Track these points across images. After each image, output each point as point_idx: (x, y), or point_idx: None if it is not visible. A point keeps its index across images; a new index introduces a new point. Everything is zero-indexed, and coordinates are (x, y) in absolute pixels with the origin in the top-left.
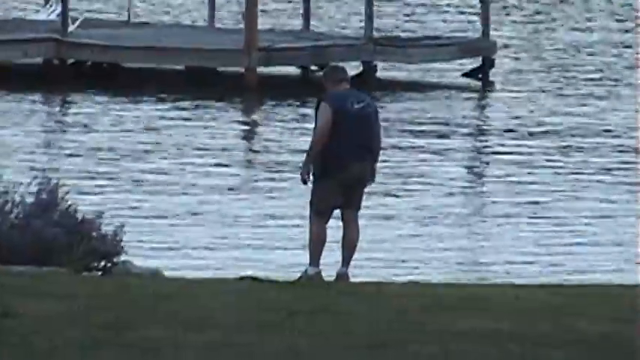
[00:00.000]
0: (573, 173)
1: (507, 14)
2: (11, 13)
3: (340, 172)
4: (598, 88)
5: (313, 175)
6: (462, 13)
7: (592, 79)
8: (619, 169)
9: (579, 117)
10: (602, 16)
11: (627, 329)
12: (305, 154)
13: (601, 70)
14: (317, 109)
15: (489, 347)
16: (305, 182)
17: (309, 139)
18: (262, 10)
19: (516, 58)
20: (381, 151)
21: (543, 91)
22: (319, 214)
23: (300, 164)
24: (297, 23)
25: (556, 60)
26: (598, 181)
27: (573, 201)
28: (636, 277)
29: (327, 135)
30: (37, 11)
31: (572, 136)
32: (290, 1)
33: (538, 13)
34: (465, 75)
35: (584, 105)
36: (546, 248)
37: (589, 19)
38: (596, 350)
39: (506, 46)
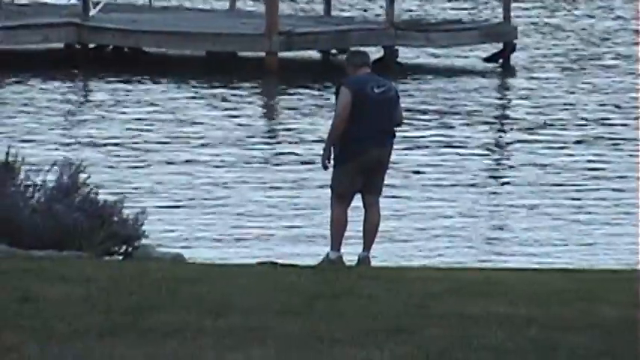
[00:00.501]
0: (591, 161)
1: None
2: None
3: (360, 156)
4: (618, 76)
5: (334, 159)
6: None
7: (611, 66)
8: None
9: (598, 103)
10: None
11: None
12: (325, 139)
13: (624, 57)
14: (337, 93)
15: (506, 332)
16: (325, 167)
17: (330, 123)
18: None
19: (537, 43)
20: (402, 136)
21: (562, 78)
22: (340, 197)
23: (321, 149)
24: (318, 9)
25: (577, 45)
26: (615, 168)
27: (591, 189)
28: None
29: (346, 119)
30: None
31: (591, 123)
32: None
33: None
34: (486, 59)
35: (603, 92)
36: (565, 234)
37: (608, 6)
38: (612, 334)
39: (527, 31)
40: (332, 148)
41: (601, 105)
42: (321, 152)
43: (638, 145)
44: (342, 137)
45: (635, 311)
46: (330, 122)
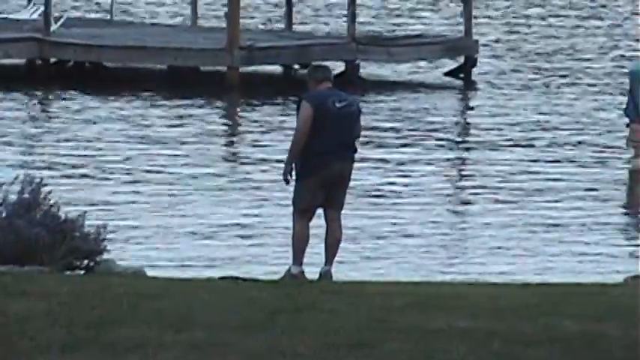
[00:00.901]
0: (556, 179)
1: (489, 13)
2: None
3: (322, 170)
4: (577, 88)
5: (296, 174)
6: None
7: (573, 83)
8: (600, 164)
9: (560, 116)
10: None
11: (604, 327)
12: (287, 154)
13: (587, 73)
14: (298, 107)
15: (467, 346)
16: (287, 181)
17: (291, 138)
18: (244, 9)
19: (498, 57)
20: (364, 149)
21: (523, 92)
22: (302, 212)
23: (283, 164)
24: (279, 23)
25: (537, 60)
26: (577, 180)
27: (553, 205)
28: (614, 276)
29: (307, 133)
30: (19, 10)
31: (554, 138)
32: (276, 5)
33: (517, 16)
34: (447, 74)
35: (566, 104)
36: (527, 248)
37: (571, 24)
38: (572, 348)
39: (487, 45)
40: (293, 163)
41: (563, 121)
42: (283, 167)
43: (598, 159)
44: (303, 152)
45: (597, 326)
46: (291, 137)
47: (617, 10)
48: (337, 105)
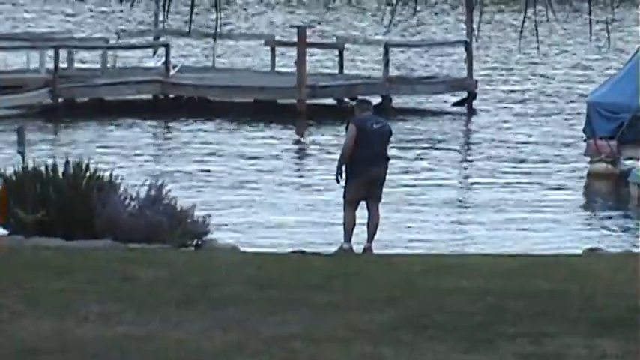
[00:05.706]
0: (537, 175)
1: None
2: (130, 62)
3: (364, 173)
4: (560, 121)
5: (345, 176)
6: (451, 55)
7: (556, 112)
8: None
9: (539, 136)
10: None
11: (568, 286)
12: (337, 161)
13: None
14: (347, 128)
15: (468, 299)
16: (338, 181)
17: (341, 149)
18: (308, 58)
19: (492, 91)
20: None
21: (510, 117)
22: (350, 204)
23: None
24: (334, 68)
25: (525, 96)
26: (555, 176)
27: (539, 195)
28: (575, 250)
29: (352, 147)
30: (147, 61)
31: (536, 151)
32: (327, 53)
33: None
34: (455, 104)
35: (545, 128)
36: (511, 234)
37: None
38: (544, 301)
39: (485, 82)
40: (343, 168)
41: (541, 136)
42: (335, 171)
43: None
44: (350, 160)
45: (561, 284)
46: (341, 149)
47: None
48: (374, 126)
